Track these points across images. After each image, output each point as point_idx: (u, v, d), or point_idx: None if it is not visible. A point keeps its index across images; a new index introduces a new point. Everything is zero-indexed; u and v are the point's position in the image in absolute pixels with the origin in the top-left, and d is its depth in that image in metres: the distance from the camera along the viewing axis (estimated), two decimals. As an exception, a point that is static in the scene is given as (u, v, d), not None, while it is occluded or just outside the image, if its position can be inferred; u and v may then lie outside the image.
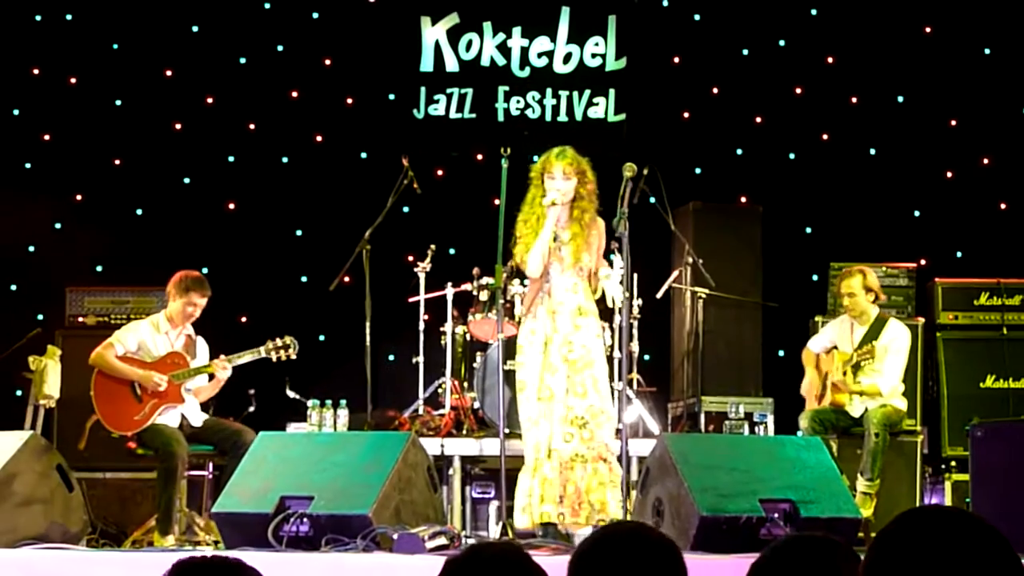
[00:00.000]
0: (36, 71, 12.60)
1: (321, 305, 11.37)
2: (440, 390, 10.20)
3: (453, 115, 12.80)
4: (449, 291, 10.24)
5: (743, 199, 12.57)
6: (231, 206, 12.60)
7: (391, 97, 12.86)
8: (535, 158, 11.71)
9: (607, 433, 8.08)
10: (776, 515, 7.13)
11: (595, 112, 12.81)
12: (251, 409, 10.11)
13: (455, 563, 2.90)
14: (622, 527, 2.98)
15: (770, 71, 12.85)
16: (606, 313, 10.04)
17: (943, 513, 2.50)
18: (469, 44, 12.84)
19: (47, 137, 12.56)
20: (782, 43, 12.94)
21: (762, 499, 7.19)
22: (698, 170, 12.78)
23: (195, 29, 12.71)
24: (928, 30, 12.90)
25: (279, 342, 9.18)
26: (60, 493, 7.96)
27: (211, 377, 9.15)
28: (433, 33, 12.82)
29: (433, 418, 9.89)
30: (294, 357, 9.22)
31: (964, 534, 2.44)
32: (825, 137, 12.86)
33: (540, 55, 12.88)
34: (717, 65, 12.92)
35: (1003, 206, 12.74)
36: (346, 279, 10.03)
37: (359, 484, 7.36)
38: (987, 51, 12.88)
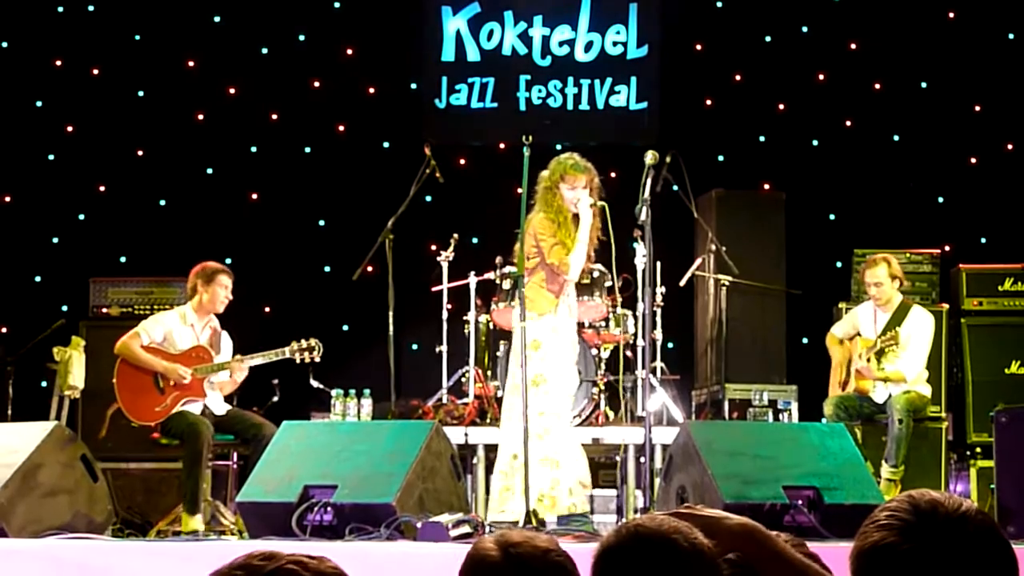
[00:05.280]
0: (59, 63, 12.63)
1: (344, 295, 11.39)
2: (464, 379, 10.21)
3: (475, 104, 12.80)
4: (472, 280, 10.24)
5: (766, 186, 12.55)
6: (254, 196, 12.63)
7: (413, 86, 12.87)
8: (558, 147, 11.78)
9: None
10: (800, 502, 7.12)
11: (617, 100, 12.79)
12: (275, 399, 10.12)
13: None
14: (656, 531, 2.84)
15: (793, 57, 12.83)
16: (630, 300, 10.06)
17: (934, 502, 2.47)
18: (491, 33, 12.84)
19: (70, 129, 12.59)
20: (805, 29, 12.91)
21: (786, 486, 7.18)
22: (721, 157, 12.76)
23: (217, 19, 12.73)
24: (952, 15, 12.85)
25: (304, 344, 9.19)
26: (85, 483, 7.97)
27: (231, 373, 9.19)
28: (454, 23, 12.82)
29: (457, 407, 9.89)
30: (318, 360, 9.25)
31: (956, 526, 2.43)
32: (848, 123, 12.83)
33: (561, 44, 12.87)
34: (740, 52, 12.90)
35: (1027, 192, 12.71)
36: (369, 269, 10.03)
37: (383, 473, 7.36)
38: (1011, 36, 12.84)
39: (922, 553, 2.41)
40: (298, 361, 9.23)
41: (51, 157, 12.57)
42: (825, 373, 10.04)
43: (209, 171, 12.64)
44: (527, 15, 12.89)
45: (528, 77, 12.85)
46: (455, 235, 10.39)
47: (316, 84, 12.79)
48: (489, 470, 9.61)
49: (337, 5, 12.85)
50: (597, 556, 2.77)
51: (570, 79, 12.85)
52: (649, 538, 2.73)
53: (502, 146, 12.56)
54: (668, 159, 9.93)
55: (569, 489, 8.18)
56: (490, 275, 10.11)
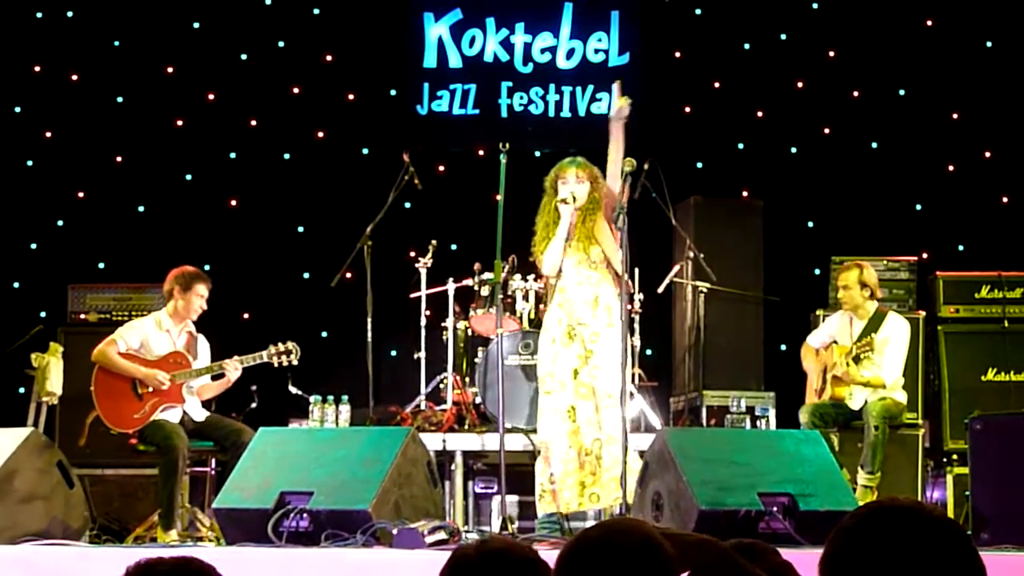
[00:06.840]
0: (37, 68, 12.61)
1: (323, 301, 11.40)
2: (442, 385, 10.21)
3: (457, 111, 12.81)
4: (450, 286, 10.25)
5: (744, 193, 12.57)
6: (233, 203, 12.62)
7: (392, 93, 12.87)
8: (537, 153, 11.79)
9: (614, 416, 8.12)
10: (775, 508, 7.13)
11: (598, 108, 12.79)
12: (253, 405, 10.12)
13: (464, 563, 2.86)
14: (617, 530, 2.88)
15: (771, 65, 12.85)
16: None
17: (902, 510, 2.49)
18: (472, 40, 12.85)
19: (49, 134, 12.58)
20: (783, 37, 12.94)
21: (761, 493, 7.18)
22: (699, 164, 12.79)
23: (196, 26, 12.72)
24: (929, 23, 12.90)
25: (281, 347, 9.18)
26: (61, 489, 7.97)
27: (218, 376, 9.17)
28: (436, 29, 12.83)
29: (435, 413, 9.90)
30: (296, 363, 9.24)
31: (923, 531, 2.44)
32: (826, 131, 12.86)
33: (543, 51, 12.88)
34: (718, 59, 12.92)
35: (1004, 199, 12.74)
36: (348, 275, 10.04)
37: (359, 479, 7.37)
38: (988, 44, 12.88)
39: (889, 560, 2.42)
40: (276, 365, 9.23)
41: (30, 163, 12.55)
42: (803, 379, 10.05)
43: (188, 177, 12.63)
44: (509, 22, 12.90)
45: (510, 84, 12.86)
46: (433, 242, 10.40)
47: (296, 90, 12.78)
48: (467, 477, 9.63)
49: (316, 12, 12.85)
50: (560, 555, 2.80)
51: (552, 86, 12.86)
52: (609, 536, 2.77)
53: (481, 153, 12.57)
54: (646, 166, 9.97)
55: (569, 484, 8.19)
56: (468, 282, 10.14)
